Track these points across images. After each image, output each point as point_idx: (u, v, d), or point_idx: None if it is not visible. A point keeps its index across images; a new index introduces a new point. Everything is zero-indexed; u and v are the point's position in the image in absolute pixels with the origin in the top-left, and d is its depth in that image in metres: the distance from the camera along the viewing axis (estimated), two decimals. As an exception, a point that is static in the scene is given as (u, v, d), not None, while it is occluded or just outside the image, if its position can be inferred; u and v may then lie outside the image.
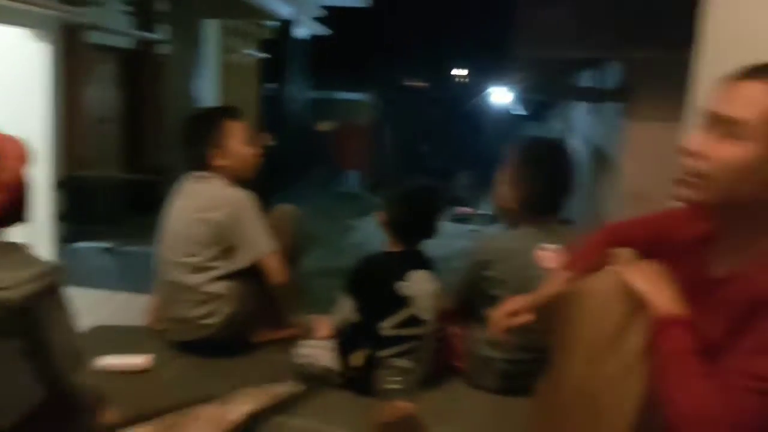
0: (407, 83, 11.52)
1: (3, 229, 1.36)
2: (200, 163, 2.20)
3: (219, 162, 2.21)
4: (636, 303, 1.03)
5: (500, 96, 8.84)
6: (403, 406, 1.70)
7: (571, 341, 1.11)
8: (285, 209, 2.45)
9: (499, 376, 1.92)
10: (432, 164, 9.11)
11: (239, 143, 2.25)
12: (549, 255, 1.76)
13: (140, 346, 2.17)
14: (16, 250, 1.31)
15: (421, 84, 11.79)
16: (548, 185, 1.88)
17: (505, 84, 7.87)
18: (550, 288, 1.34)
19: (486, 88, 9.15)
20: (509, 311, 1.35)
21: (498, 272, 1.87)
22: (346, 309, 1.98)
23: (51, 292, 1.28)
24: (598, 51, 3.03)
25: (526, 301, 1.35)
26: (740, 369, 0.92)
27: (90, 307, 3.19)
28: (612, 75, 3.49)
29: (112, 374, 1.99)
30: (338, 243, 5.45)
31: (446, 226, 5.68)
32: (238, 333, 2.20)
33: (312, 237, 5.23)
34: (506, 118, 9.55)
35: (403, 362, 1.80)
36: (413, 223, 2.05)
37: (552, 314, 1.27)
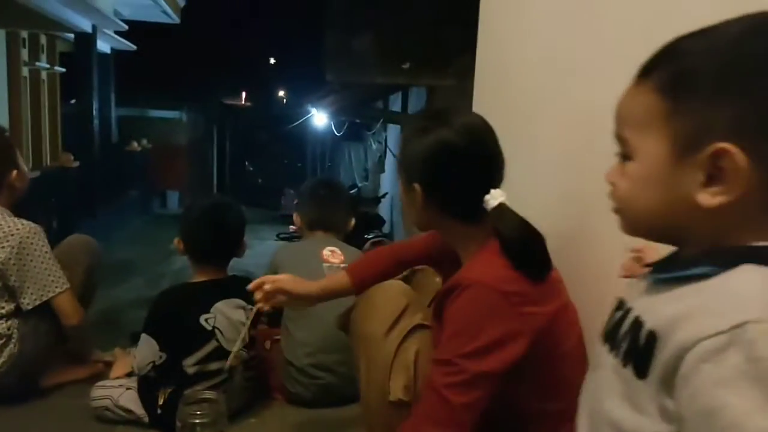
0: (228, 101, 11.27)
1: None
2: None
3: (11, 186, 2.00)
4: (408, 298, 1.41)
5: (320, 117, 9.03)
6: (210, 439, 1.63)
7: (363, 328, 1.42)
8: (78, 240, 2.25)
9: (311, 385, 1.96)
10: (260, 183, 9.02)
11: (23, 164, 2.06)
12: (332, 253, 2.10)
13: None
14: None
15: (242, 103, 11.63)
16: (319, 212, 2.28)
17: (321, 106, 8.06)
18: (333, 279, 1.56)
19: (307, 109, 9.28)
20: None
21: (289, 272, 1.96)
22: (146, 350, 1.83)
23: None
24: (399, 78, 3.23)
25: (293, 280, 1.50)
26: (437, 359, 1.12)
27: None
28: (416, 99, 3.76)
29: None
30: (157, 270, 5.15)
31: (274, 245, 5.63)
32: (26, 376, 1.95)
33: (122, 265, 4.90)
34: (327, 139, 9.79)
35: (208, 394, 1.73)
36: (215, 243, 1.93)
37: (348, 317, 1.52)
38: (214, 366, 1.82)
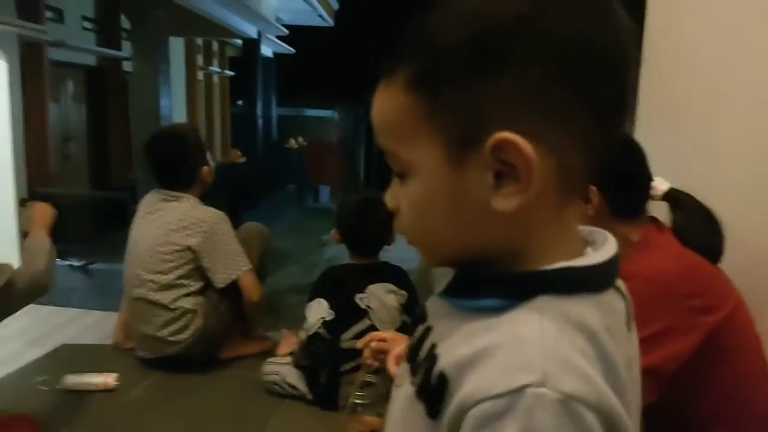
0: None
1: None
2: (183, 183, 2.18)
3: (203, 180, 2.21)
4: None
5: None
6: (371, 420, 1.69)
7: None
8: (253, 227, 2.45)
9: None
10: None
11: (210, 159, 2.28)
12: None
13: (107, 365, 2.12)
14: None
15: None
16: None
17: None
18: None
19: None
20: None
21: (440, 270, 1.96)
22: (317, 308, 1.95)
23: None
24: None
25: None
26: None
27: (59, 326, 3.13)
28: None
29: (77, 393, 1.95)
30: (310, 259, 5.43)
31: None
32: (208, 349, 2.17)
33: (281, 254, 5.24)
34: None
35: (367, 377, 1.79)
36: (364, 235, 2.05)
37: None
38: None
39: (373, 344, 1.43)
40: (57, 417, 1.82)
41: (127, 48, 5.29)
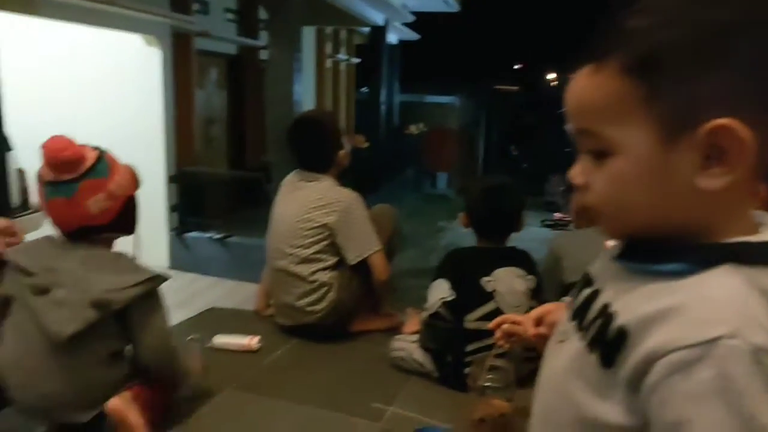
0: (498, 87, 11.40)
1: (113, 238, 1.53)
2: (321, 165, 2.31)
3: (336, 163, 2.33)
4: None
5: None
6: (499, 404, 1.70)
7: None
8: (384, 208, 2.54)
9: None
10: (523, 168, 8.96)
11: (346, 143, 2.43)
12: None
13: (249, 328, 2.31)
14: (123, 258, 1.49)
15: (512, 88, 11.63)
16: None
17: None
18: None
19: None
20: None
21: (574, 261, 1.92)
22: (438, 289, 1.98)
23: (150, 297, 1.45)
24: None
25: None
26: None
27: (200, 291, 3.44)
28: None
29: (224, 352, 2.15)
30: (428, 244, 5.48)
31: (537, 232, 5.58)
32: (340, 321, 2.30)
33: (404, 237, 5.35)
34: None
35: (499, 361, 1.80)
36: (494, 219, 2.05)
37: None
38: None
39: (505, 326, 1.44)
40: (207, 370, 2.00)
41: (263, 37, 5.58)
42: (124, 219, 1.54)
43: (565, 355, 0.66)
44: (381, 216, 2.43)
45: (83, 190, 1.42)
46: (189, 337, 2.21)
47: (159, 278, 1.50)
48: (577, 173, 0.63)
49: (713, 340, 0.48)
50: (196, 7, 4.99)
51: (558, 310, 1.33)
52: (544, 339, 1.04)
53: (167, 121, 4.38)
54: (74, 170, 1.42)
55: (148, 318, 1.48)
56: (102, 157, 1.49)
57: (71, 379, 1.41)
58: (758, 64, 0.51)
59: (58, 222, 1.48)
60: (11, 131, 2.61)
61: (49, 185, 1.45)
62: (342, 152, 2.37)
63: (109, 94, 4.00)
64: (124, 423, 1.41)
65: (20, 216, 2.75)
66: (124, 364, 1.52)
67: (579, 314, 0.66)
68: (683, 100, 0.52)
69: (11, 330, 1.46)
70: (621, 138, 0.56)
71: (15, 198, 2.87)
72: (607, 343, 0.57)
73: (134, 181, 1.57)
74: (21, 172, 2.94)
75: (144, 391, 1.51)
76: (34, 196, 1.75)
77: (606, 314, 0.59)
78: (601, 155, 0.59)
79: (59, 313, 1.38)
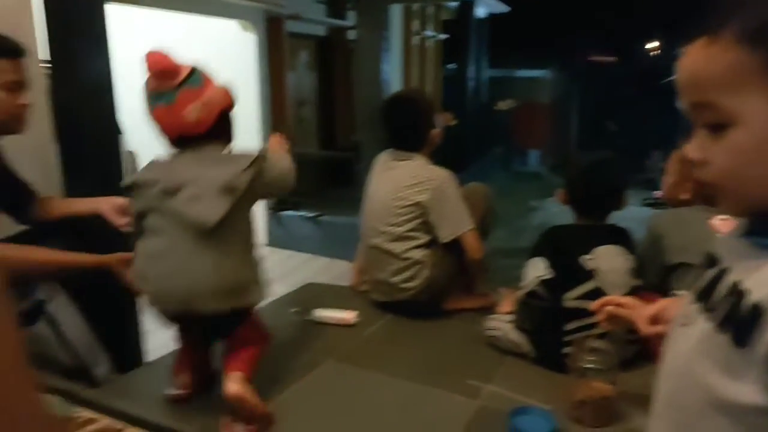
0: (593, 58, 10.87)
1: (212, 148, 1.60)
2: (414, 144, 2.32)
3: (428, 142, 2.33)
4: None
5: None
6: (601, 387, 1.64)
7: None
8: (477, 187, 2.52)
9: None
10: (621, 143, 8.52)
11: (438, 122, 2.40)
12: (723, 223, 1.79)
13: (345, 303, 2.37)
14: (225, 152, 1.64)
15: (608, 59, 11.04)
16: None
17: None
18: None
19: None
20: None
21: (677, 240, 1.86)
22: (534, 267, 1.94)
23: (260, 174, 1.60)
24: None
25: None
26: None
27: (296, 267, 3.57)
28: None
29: (323, 325, 2.23)
30: (519, 223, 5.38)
31: (638, 211, 5.32)
32: (433, 298, 2.31)
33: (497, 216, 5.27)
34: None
35: (601, 343, 1.74)
36: (595, 197, 1.97)
37: None
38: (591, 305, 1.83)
39: (609, 308, 1.39)
40: (308, 341, 2.08)
41: (351, 18, 5.62)
42: (220, 129, 1.62)
43: (691, 338, 0.64)
44: (474, 195, 2.41)
45: (181, 99, 1.52)
46: (292, 310, 2.32)
47: (262, 154, 1.62)
48: (694, 149, 0.61)
49: None
50: (286, -11, 5.09)
51: (674, 306, 1.28)
52: (660, 338, 1.00)
53: (263, 104, 4.53)
54: (173, 79, 1.52)
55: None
56: (196, 69, 1.59)
57: (214, 269, 1.49)
58: None
59: (163, 129, 1.58)
60: (121, 116, 2.79)
61: (153, 94, 1.55)
62: (434, 131, 2.36)
63: (209, 78, 4.18)
64: (244, 405, 1.49)
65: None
66: (256, 260, 1.63)
67: (704, 295, 0.65)
68: None
69: (151, 235, 1.55)
70: (740, 108, 0.55)
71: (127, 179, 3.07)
72: (741, 321, 0.56)
73: (228, 96, 1.65)
74: (131, 154, 3.14)
75: (244, 357, 1.58)
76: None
77: (737, 292, 0.58)
78: (719, 129, 0.58)
79: (198, 205, 1.48)
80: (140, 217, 1.59)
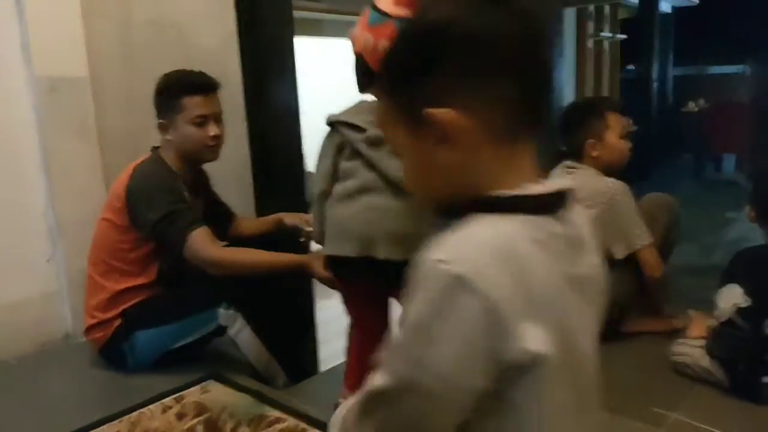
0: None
1: None
2: (574, 153, 2.23)
3: (594, 153, 2.20)
4: None
5: None
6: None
7: None
8: (658, 198, 2.34)
9: None
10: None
11: (616, 136, 2.21)
12: None
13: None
14: None
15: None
16: None
17: None
18: None
19: None
20: None
21: None
22: (729, 294, 1.76)
23: None
24: None
25: None
26: None
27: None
28: None
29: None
30: (709, 239, 4.88)
31: None
32: (613, 320, 2.16)
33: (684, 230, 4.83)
34: None
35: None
36: None
37: None
38: None
39: None
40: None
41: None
42: None
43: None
44: (654, 206, 2.24)
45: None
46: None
47: None
48: None
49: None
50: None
51: None
52: None
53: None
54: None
55: None
56: None
57: (408, 221, 1.51)
58: (460, 70, 0.61)
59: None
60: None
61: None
62: (593, 142, 2.18)
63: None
64: None
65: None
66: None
67: None
68: (405, 99, 0.65)
69: (347, 178, 1.61)
70: (397, 139, 0.69)
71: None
72: None
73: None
74: (310, 175, 3.40)
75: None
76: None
77: None
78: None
79: (395, 161, 1.50)
80: (338, 152, 1.63)
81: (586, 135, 2.20)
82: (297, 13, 3.03)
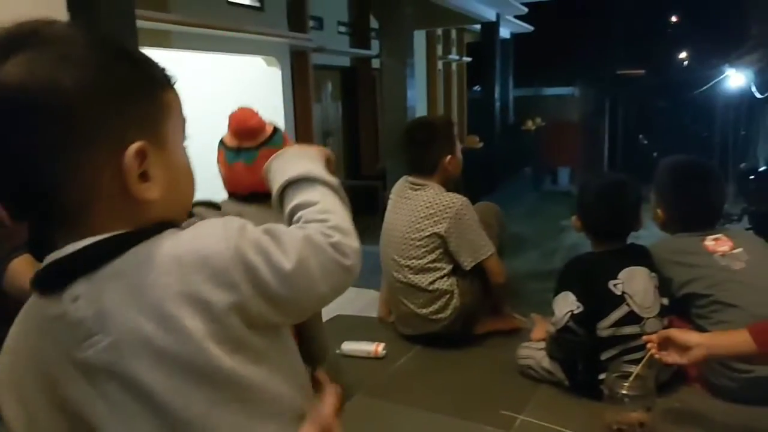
0: (621, 72, 10.74)
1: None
2: (426, 169, 2.31)
3: (450, 168, 2.31)
4: None
5: (737, 78, 7.77)
6: (637, 413, 1.60)
7: None
8: (486, 206, 2.47)
9: (743, 383, 1.72)
10: (654, 156, 8.35)
11: (458, 151, 2.36)
12: (716, 242, 1.89)
13: (373, 335, 2.35)
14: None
15: (638, 71, 10.89)
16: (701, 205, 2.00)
17: (739, 65, 6.91)
18: (727, 337, 1.50)
19: (718, 71, 8.10)
20: None
21: (681, 275, 1.88)
22: (563, 302, 1.89)
23: None
24: None
25: None
26: None
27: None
28: None
29: (352, 358, 2.22)
30: (549, 245, 5.29)
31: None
32: (465, 326, 2.27)
33: (518, 239, 5.19)
34: (744, 103, 8.37)
35: (637, 369, 1.69)
36: (612, 221, 1.92)
37: None
38: (627, 330, 1.79)
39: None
40: (339, 376, 2.06)
41: (375, 47, 5.70)
42: None
43: None
44: (485, 215, 2.36)
45: (261, 158, 1.50)
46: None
47: None
48: None
49: None
50: (311, 24, 5.20)
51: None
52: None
53: (290, 137, 4.60)
54: (255, 139, 1.53)
55: None
56: (277, 129, 1.59)
57: None
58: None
59: (234, 185, 1.59)
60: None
61: (231, 151, 1.55)
62: (449, 158, 2.30)
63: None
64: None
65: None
66: None
67: None
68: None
69: None
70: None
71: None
72: None
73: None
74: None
75: None
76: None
77: None
78: None
79: None
80: None
81: (443, 151, 2.31)
82: (143, 23, 2.86)
